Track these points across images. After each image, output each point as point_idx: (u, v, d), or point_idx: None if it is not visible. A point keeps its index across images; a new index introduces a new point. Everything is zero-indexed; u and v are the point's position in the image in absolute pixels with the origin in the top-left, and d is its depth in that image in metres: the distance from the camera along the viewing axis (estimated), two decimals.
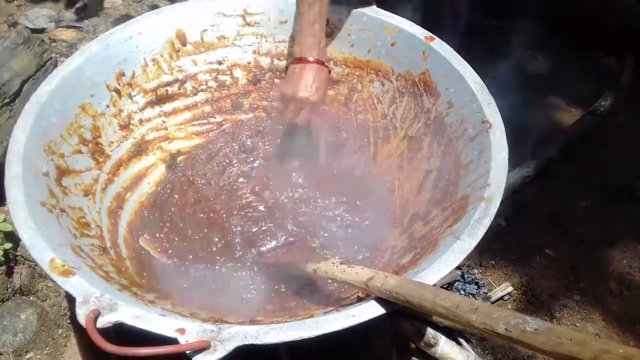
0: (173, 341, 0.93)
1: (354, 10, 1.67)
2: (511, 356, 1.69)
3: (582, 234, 1.98)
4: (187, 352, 0.91)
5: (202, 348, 0.91)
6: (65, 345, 1.62)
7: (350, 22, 1.69)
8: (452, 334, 1.65)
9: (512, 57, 2.31)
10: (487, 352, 1.71)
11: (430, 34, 1.58)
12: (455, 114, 1.45)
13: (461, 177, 1.34)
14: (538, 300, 1.82)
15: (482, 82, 1.42)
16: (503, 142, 1.28)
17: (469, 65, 1.47)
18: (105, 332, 0.94)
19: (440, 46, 1.54)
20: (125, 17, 2.68)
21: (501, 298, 1.83)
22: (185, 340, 0.93)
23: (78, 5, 2.77)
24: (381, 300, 1.01)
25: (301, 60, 1.49)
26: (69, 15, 2.71)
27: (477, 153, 1.31)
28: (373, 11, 1.67)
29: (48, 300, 1.66)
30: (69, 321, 1.66)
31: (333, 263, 1.19)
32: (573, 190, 2.13)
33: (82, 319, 0.95)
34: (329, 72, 1.55)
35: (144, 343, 0.90)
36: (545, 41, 2.67)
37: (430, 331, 1.55)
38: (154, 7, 2.72)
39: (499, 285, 1.85)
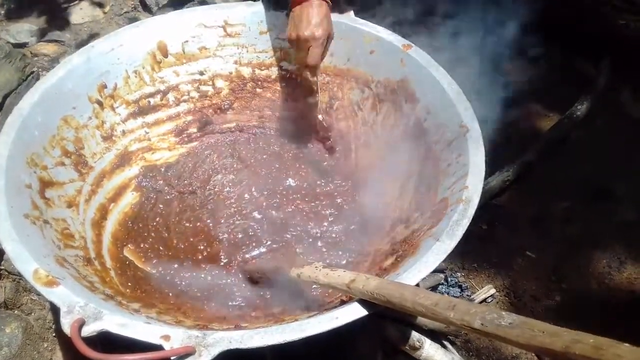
0: (158, 348, 0.94)
1: (333, 20, 1.69)
2: (495, 357, 1.71)
3: (562, 235, 2.02)
4: (172, 358, 0.92)
5: (187, 354, 0.92)
6: (51, 359, 1.61)
7: None
8: (437, 336, 1.66)
9: (489, 62, 2.35)
10: (471, 354, 1.73)
11: (407, 42, 1.61)
12: (434, 119, 1.47)
13: (440, 181, 1.36)
14: (520, 302, 1.85)
15: (458, 87, 1.45)
16: (480, 146, 1.31)
17: (445, 72, 1.50)
18: (91, 341, 0.94)
19: (417, 54, 1.57)
20: (107, 30, 2.69)
21: (484, 300, 1.85)
22: (170, 346, 0.94)
23: (58, 19, 2.78)
24: (363, 302, 1.03)
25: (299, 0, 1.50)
26: (51, 29, 2.71)
27: (455, 156, 1.34)
28: (351, 20, 1.70)
29: (33, 314, 1.65)
30: (54, 335, 1.65)
31: (316, 267, 1.20)
32: (552, 193, 2.16)
33: (66, 328, 0.96)
34: (329, 5, 1.54)
35: (130, 351, 0.91)
36: (522, 47, 2.71)
37: (415, 334, 1.57)
38: (135, 19, 2.73)
39: (482, 287, 1.87)
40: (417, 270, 1.07)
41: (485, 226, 2.04)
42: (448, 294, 1.84)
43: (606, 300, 1.84)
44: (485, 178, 1.27)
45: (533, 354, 1.69)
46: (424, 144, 1.48)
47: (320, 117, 1.77)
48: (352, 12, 1.71)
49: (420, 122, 1.52)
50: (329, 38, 1.54)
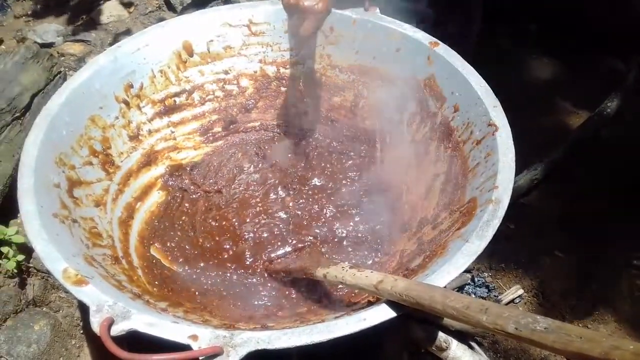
0: (186, 348, 0.94)
1: (359, 17, 1.69)
2: (523, 359, 1.69)
3: (592, 235, 1.98)
4: (200, 358, 0.92)
5: (215, 354, 0.92)
6: (79, 356, 1.63)
7: (355, 30, 1.70)
8: (464, 337, 1.64)
9: (518, 60, 2.32)
10: (499, 355, 1.70)
11: (434, 39, 1.58)
12: (461, 118, 1.45)
13: (469, 180, 1.34)
14: (549, 303, 1.82)
15: (487, 85, 1.43)
16: (510, 145, 1.29)
17: (473, 69, 1.48)
18: (119, 340, 0.95)
19: (444, 51, 1.54)
20: (132, 30, 2.71)
21: (512, 301, 1.83)
22: (198, 346, 0.94)
23: (84, 19, 2.81)
24: (391, 304, 1.02)
25: None
26: (77, 29, 2.74)
27: (484, 156, 1.32)
28: (377, 18, 1.68)
29: (61, 311, 1.67)
30: (81, 332, 1.67)
31: (343, 267, 1.19)
32: (581, 191, 2.12)
33: (96, 327, 0.96)
34: None
35: (157, 350, 0.91)
36: (552, 44, 2.67)
37: (441, 335, 1.55)
38: (161, 19, 2.75)
39: (510, 288, 1.85)
40: (446, 272, 1.05)
41: (512, 226, 2.01)
42: (475, 294, 1.82)
43: (637, 301, 1.80)
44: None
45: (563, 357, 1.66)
46: (452, 143, 1.46)
47: (301, 85, 1.75)
48: (377, 10, 1.70)
49: (447, 121, 1.50)
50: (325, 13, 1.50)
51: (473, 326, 0.88)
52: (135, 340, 0.99)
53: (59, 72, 2.11)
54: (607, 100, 2.37)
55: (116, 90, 1.59)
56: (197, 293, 1.45)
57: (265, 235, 1.60)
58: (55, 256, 1.09)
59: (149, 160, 1.69)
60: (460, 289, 1.83)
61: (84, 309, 1.58)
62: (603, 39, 2.63)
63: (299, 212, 1.66)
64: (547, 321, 0.73)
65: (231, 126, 1.86)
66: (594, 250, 1.93)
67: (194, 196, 1.72)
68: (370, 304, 1.16)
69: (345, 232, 1.61)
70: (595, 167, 2.20)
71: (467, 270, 1.88)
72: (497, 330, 0.79)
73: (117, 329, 0.97)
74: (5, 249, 1.61)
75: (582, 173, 2.19)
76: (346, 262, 1.27)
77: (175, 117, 1.77)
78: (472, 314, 0.83)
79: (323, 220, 1.64)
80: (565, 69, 2.64)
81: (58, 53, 2.57)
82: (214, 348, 0.92)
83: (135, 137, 1.65)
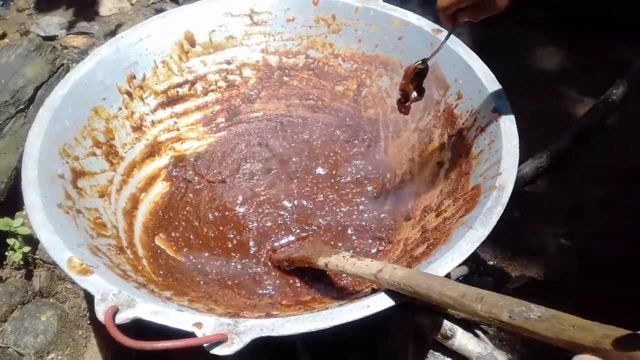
0: (190, 335, 0.94)
1: (361, 5, 1.68)
2: (528, 347, 1.68)
3: (597, 223, 1.97)
4: (205, 345, 0.92)
5: (219, 341, 0.93)
6: (86, 346, 1.64)
7: (357, 18, 1.69)
8: (469, 325, 1.64)
9: (524, 47, 2.29)
10: (504, 343, 1.70)
11: (437, 26, 1.58)
12: (465, 105, 1.45)
13: (472, 168, 1.34)
14: (555, 291, 1.81)
15: (491, 72, 1.42)
16: (513, 131, 1.28)
17: (477, 57, 1.47)
18: (124, 328, 0.95)
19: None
20: (134, 22, 2.71)
21: (517, 289, 1.82)
22: (203, 333, 0.94)
23: (87, 11, 2.80)
24: (391, 292, 1.02)
25: None
26: (80, 21, 2.74)
27: (487, 143, 1.31)
28: (379, 6, 1.67)
29: (68, 302, 1.68)
30: (88, 322, 1.68)
31: (344, 257, 1.19)
32: (587, 179, 2.11)
33: (101, 315, 0.97)
34: None
35: (162, 338, 0.92)
36: (558, 31, 2.65)
37: (447, 323, 1.55)
38: (162, 10, 2.74)
39: (515, 276, 1.84)
40: (449, 259, 1.05)
41: (518, 214, 2.00)
42: (480, 283, 1.81)
43: None
44: (518, 165, 1.23)
45: None
46: (455, 130, 1.46)
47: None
48: None
49: (451, 108, 1.49)
50: None
51: (470, 315, 0.88)
52: (141, 330, 0.99)
53: (62, 65, 2.11)
54: (613, 87, 2.34)
55: (119, 81, 1.59)
56: (201, 282, 1.45)
57: (269, 224, 1.60)
58: (60, 246, 1.10)
59: (153, 151, 1.70)
60: (466, 277, 1.83)
61: (90, 299, 1.59)
62: (608, 25, 2.60)
63: (303, 201, 1.66)
64: (541, 309, 0.73)
65: (234, 117, 1.86)
66: (600, 238, 1.92)
67: (197, 186, 1.72)
68: (374, 291, 1.16)
69: (349, 220, 1.61)
70: (601, 155, 2.18)
71: (473, 260, 1.87)
72: (492, 319, 0.78)
73: (122, 317, 0.97)
74: (11, 241, 1.62)
75: (588, 161, 2.17)
76: (348, 252, 1.27)
77: (178, 108, 1.77)
78: (468, 303, 0.83)
79: (327, 209, 1.64)
80: (571, 56, 2.61)
81: (61, 45, 2.57)
82: (218, 335, 0.93)
83: (138, 128, 1.65)
